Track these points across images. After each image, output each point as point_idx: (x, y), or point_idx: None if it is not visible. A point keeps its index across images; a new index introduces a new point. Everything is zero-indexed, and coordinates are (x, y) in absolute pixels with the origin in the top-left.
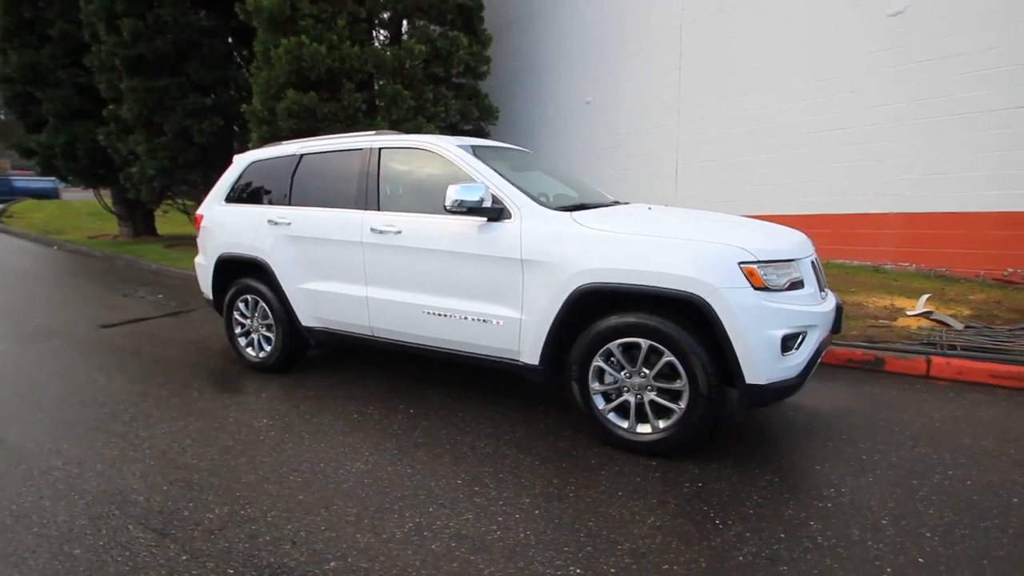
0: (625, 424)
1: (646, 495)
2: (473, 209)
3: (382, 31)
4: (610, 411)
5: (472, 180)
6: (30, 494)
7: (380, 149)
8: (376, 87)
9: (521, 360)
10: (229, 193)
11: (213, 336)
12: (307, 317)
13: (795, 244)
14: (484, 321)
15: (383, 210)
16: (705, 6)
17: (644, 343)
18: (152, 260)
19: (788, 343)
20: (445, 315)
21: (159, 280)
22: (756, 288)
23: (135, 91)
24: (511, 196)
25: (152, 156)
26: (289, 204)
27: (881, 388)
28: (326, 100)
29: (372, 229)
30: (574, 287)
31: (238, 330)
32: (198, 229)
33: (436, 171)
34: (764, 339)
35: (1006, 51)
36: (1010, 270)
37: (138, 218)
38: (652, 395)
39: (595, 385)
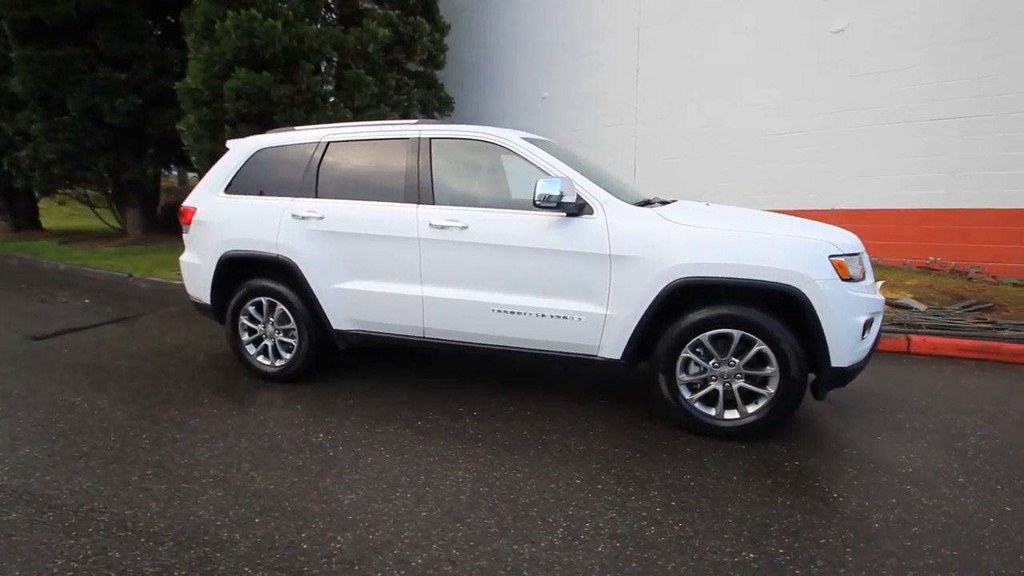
0: (712, 412)
1: (759, 477)
2: (561, 204)
3: (332, 13)
4: (696, 400)
5: (546, 174)
6: (83, 550)
7: (431, 139)
8: (329, 69)
9: (600, 355)
10: (231, 183)
11: (187, 344)
12: (341, 320)
13: (855, 239)
14: (564, 318)
15: (438, 204)
16: (661, 12)
17: (736, 333)
18: (55, 259)
19: (865, 328)
20: (518, 313)
21: (74, 283)
22: (843, 279)
23: (28, 61)
24: (591, 191)
25: (51, 138)
26: (316, 196)
27: (880, 364)
28: (281, 82)
29: (431, 224)
30: (669, 281)
31: (246, 337)
32: (186, 223)
33: (500, 164)
34: (850, 325)
35: (926, 70)
36: (931, 258)
37: (19, 210)
38: (740, 382)
39: (682, 376)
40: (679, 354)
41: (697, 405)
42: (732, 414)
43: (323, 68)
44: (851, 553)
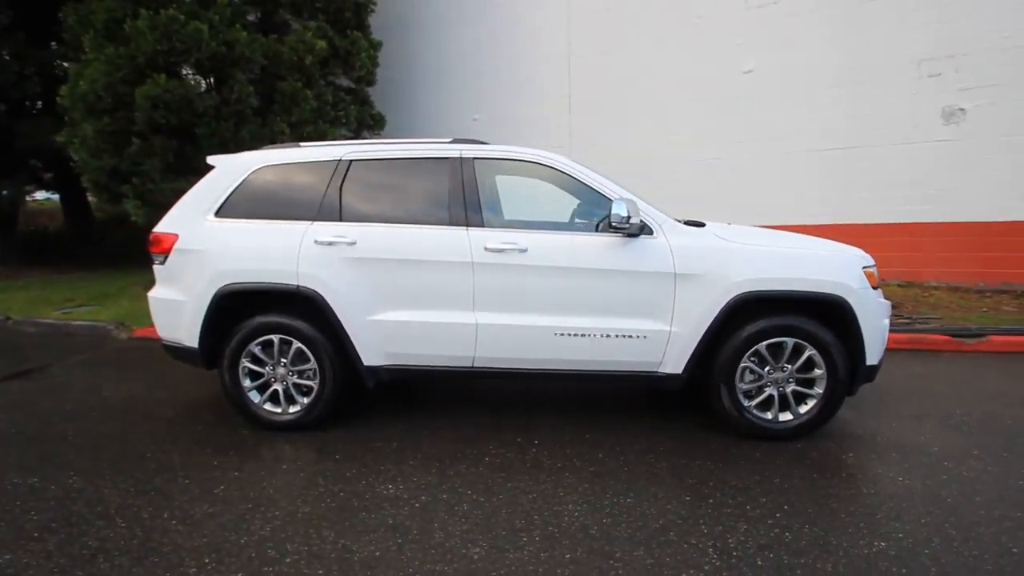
0: (769, 415)
1: (834, 471)
2: (629, 225)
3: (255, 22)
4: (754, 407)
5: (601, 195)
6: None
7: (474, 159)
8: (259, 80)
9: (661, 371)
10: (223, 205)
11: (138, 398)
12: (373, 355)
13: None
14: (629, 336)
15: (487, 227)
16: (590, 45)
17: (790, 341)
18: None
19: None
20: (582, 335)
21: None
22: (873, 287)
23: None
24: (649, 212)
25: None
26: (341, 220)
27: None
28: (207, 91)
29: (486, 248)
30: (733, 296)
31: (248, 383)
32: (160, 252)
33: (552, 185)
34: (880, 327)
35: (817, 108)
36: None
37: None
38: (792, 386)
39: (740, 385)
40: (739, 364)
41: (755, 411)
42: (786, 416)
43: (248, 80)
44: (952, 523)
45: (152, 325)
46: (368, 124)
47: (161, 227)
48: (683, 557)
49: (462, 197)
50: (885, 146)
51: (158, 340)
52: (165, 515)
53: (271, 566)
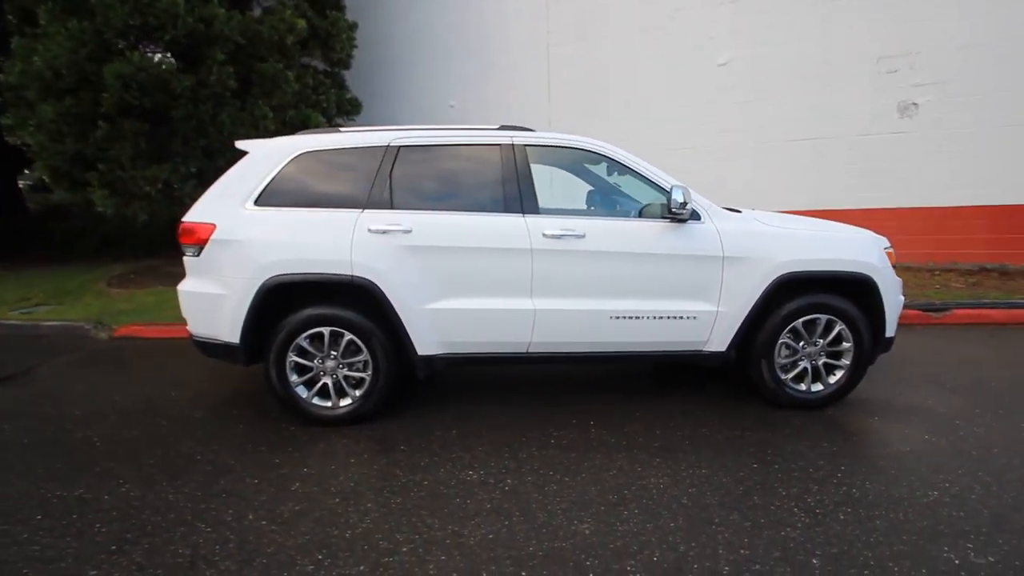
0: (803, 386)
1: (871, 434)
2: (688, 211)
3: None
4: (790, 379)
5: (652, 183)
6: None
7: (526, 146)
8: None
9: (707, 349)
10: (262, 193)
11: (157, 398)
12: (429, 344)
13: None
14: (680, 318)
15: (543, 214)
16: (570, 32)
17: (823, 317)
18: None
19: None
20: (636, 317)
21: None
22: (892, 266)
23: None
24: (697, 198)
25: None
26: (392, 208)
27: None
28: (183, 70)
29: (544, 234)
30: (776, 276)
31: (295, 378)
32: (194, 243)
33: (595, 172)
34: (897, 303)
35: (788, 100)
36: None
37: None
38: (823, 359)
39: (778, 360)
40: (777, 340)
41: (791, 383)
42: (818, 387)
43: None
44: (984, 472)
45: (134, 323)
46: (346, 110)
47: (194, 216)
48: (775, 518)
49: (516, 184)
50: (848, 137)
51: (143, 339)
52: (250, 516)
53: (389, 556)
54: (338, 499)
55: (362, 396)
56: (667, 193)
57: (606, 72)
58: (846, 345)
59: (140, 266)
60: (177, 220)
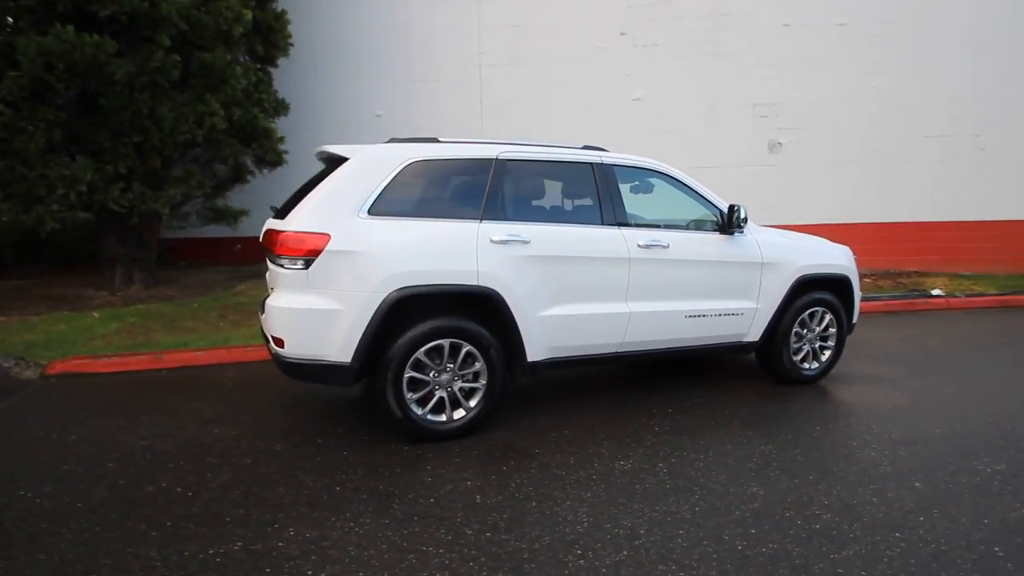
0: (806, 365)
1: (869, 398)
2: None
3: None
4: (801, 361)
5: (707, 200)
6: None
7: (612, 166)
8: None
9: (745, 340)
10: (376, 202)
11: (184, 440)
12: (538, 350)
13: None
14: (732, 315)
15: (631, 227)
16: (502, 55)
17: (820, 309)
18: None
19: None
20: (702, 315)
21: None
22: (856, 268)
23: None
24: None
25: None
26: (507, 219)
27: None
28: (121, 54)
29: (639, 245)
30: (796, 278)
31: (411, 395)
32: (305, 254)
33: (666, 188)
34: (859, 296)
35: (688, 133)
36: None
37: None
38: (818, 343)
39: (793, 345)
40: (792, 329)
41: (799, 364)
42: (813, 365)
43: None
44: (978, 417)
45: (74, 357)
46: (276, 111)
47: (301, 226)
48: (860, 465)
49: (611, 199)
50: (735, 166)
51: (95, 374)
52: (473, 525)
53: (635, 540)
54: (534, 502)
55: (479, 407)
56: (718, 209)
57: (536, 96)
58: (832, 330)
59: (3, 287)
60: (76, 228)
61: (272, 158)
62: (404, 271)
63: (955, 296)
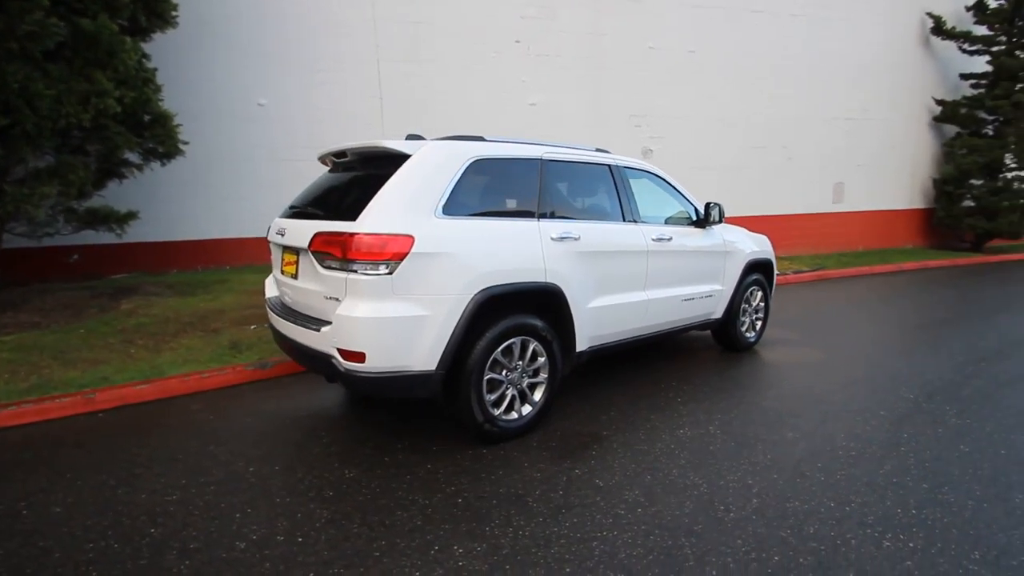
0: (749, 334)
1: (803, 357)
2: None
3: None
4: (744, 331)
5: (686, 198)
6: None
7: (623, 167)
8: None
9: (713, 317)
10: (447, 201)
11: (242, 471)
12: (584, 340)
13: None
14: (708, 296)
15: (642, 223)
16: (400, 51)
17: (756, 288)
18: None
19: None
20: (692, 298)
21: None
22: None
23: None
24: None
25: None
26: (554, 217)
27: None
28: None
29: (652, 239)
30: (746, 263)
31: (491, 396)
32: (388, 258)
33: (657, 188)
34: (774, 277)
35: (580, 136)
36: None
37: None
38: (754, 316)
39: (743, 318)
40: (740, 305)
41: (745, 333)
42: (751, 334)
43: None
44: (893, 366)
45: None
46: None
47: (380, 228)
48: (848, 423)
49: (628, 198)
50: None
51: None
52: (621, 506)
53: (734, 512)
54: (649, 476)
55: (542, 402)
56: (694, 206)
57: (436, 94)
58: (762, 304)
59: None
60: None
61: (169, 148)
62: (487, 271)
63: (786, 273)
